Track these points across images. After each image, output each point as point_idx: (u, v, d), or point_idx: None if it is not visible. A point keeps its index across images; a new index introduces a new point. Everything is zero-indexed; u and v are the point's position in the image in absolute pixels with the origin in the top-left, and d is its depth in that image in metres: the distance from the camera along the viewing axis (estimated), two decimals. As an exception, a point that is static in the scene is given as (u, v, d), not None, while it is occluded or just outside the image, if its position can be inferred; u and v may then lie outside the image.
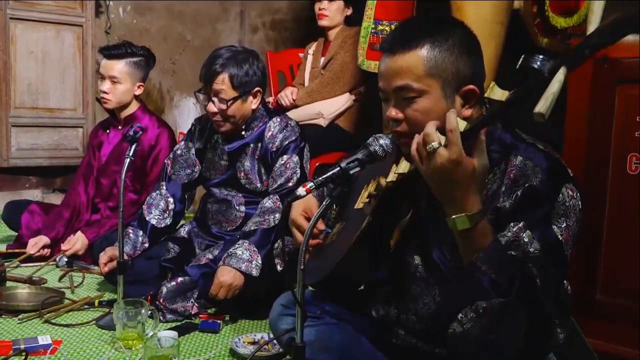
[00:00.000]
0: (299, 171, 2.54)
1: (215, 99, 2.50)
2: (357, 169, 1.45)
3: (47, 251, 3.12)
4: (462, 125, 1.27)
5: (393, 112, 1.43)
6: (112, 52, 3.17)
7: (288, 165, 2.54)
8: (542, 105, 1.11)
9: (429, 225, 1.53)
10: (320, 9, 3.72)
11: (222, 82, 2.48)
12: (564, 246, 1.32)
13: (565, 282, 1.34)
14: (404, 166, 1.51)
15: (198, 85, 4.84)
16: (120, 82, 3.15)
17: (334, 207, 1.86)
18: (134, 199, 3.17)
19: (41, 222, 3.22)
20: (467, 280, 1.30)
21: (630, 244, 2.13)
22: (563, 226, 1.32)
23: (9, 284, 2.72)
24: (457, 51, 1.39)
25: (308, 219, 1.67)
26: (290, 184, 2.52)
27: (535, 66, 1.14)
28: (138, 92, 3.23)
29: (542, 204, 1.32)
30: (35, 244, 3.09)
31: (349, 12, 3.74)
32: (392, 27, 2.79)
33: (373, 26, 2.83)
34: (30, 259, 3.08)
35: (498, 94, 1.20)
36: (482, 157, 1.28)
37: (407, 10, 2.81)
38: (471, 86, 1.40)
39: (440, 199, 1.33)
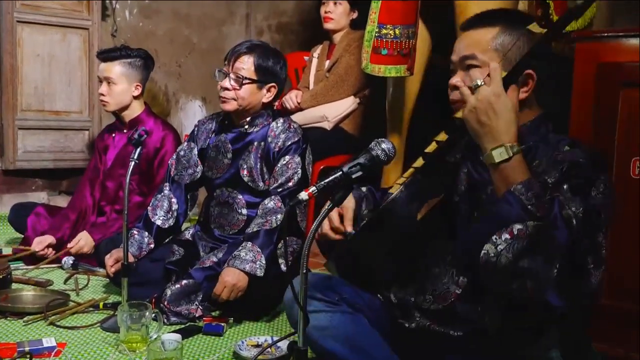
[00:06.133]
0: (300, 172, 2.55)
1: (232, 75, 2.55)
2: (359, 173, 1.47)
3: (51, 251, 3.14)
4: (503, 73, 1.40)
5: (454, 80, 1.55)
6: (106, 54, 3.25)
7: (290, 165, 2.55)
8: None
9: (465, 210, 1.60)
10: (326, 12, 3.73)
11: (245, 62, 2.56)
12: (601, 213, 1.38)
13: (601, 238, 1.38)
14: (442, 136, 1.59)
15: (204, 88, 4.87)
16: (116, 82, 3.20)
17: (365, 205, 1.86)
18: (140, 201, 3.18)
19: (47, 225, 3.24)
20: (502, 207, 1.34)
21: (634, 248, 2.12)
22: (599, 201, 1.39)
23: (14, 285, 2.73)
24: (526, 40, 1.50)
25: (341, 216, 1.71)
26: (290, 184, 2.54)
27: None
28: (136, 92, 3.26)
29: (586, 174, 1.40)
30: (40, 242, 3.11)
31: (355, 15, 3.74)
32: (397, 31, 2.79)
33: (377, 30, 2.83)
34: (35, 257, 3.10)
35: (538, 29, 1.32)
36: (515, 98, 1.42)
37: (412, 13, 2.81)
38: (530, 70, 1.49)
39: (479, 135, 1.41)
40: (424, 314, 1.64)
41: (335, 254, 1.72)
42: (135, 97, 3.28)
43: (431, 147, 1.61)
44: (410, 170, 1.63)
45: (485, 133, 1.39)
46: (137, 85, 3.26)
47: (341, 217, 1.71)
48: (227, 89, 2.57)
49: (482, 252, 1.33)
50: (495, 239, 1.31)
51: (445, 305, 1.60)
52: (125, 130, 3.32)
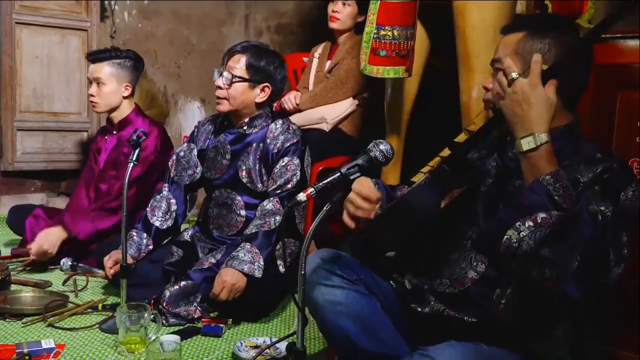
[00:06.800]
0: (299, 173, 2.56)
1: (225, 74, 2.57)
2: (358, 174, 1.48)
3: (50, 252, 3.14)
4: (544, 67, 1.42)
5: (486, 81, 1.63)
6: (96, 56, 3.27)
7: (289, 167, 2.55)
8: None
9: (490, 202, 1.62)
10: (333, 11, 3.70)
11: (238, 61, 2.58)
12: (628, 216, 1.42)
13: (626, 237, 1.41)
14: (473, 126, 1.62)
15: (203, 89, 4.86)
16: (105, 83, 3.21)
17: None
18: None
19: (45, 226, 3.22)
20: (528, 195, 1.36)
21: (634, 249, 2.11)
22: (628, 204, 1.42)
23: (13, 287, 2.73)
24: (549, 45, 1.53)
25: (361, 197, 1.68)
26: (289, 186, 2.54)
27: None
28: (126, 93, 3.27)
29: (618, 179, 1.44)
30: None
31: (361, 19, 3.70)
32: (395, 32, 2.79)
33: (375, 31, 2.82)
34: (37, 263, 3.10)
35: (585, 22, 1.33)
36: (553, 93, 1.42)
37: (410, 14, 2.81)
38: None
39: (512, 124, 1.44)
40: (438, 298, 1.65)
41: (352, 236, 1.72)
42: (125, 98, 3.28)
43: (461, 137, 1.63)
44: (436, 159, 1.65)
45: (517, 122, 1.42)
46: (127, 86, 3.27)
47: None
48: (220, 87, 2.58)
49: (505, 237, 1.35)
50: (519, 225, 1.33)
51: (461, 290, 1.62)
52: (114, 132, 3.33)
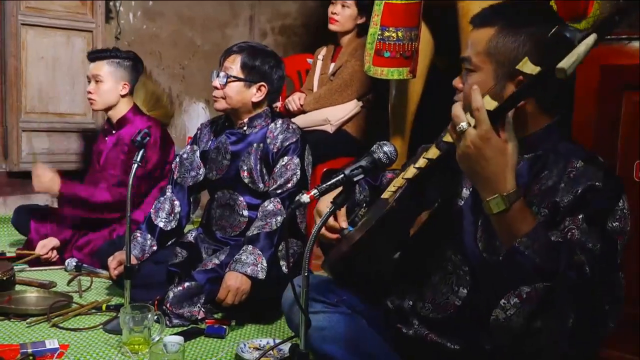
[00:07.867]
0: (299, 173, 2.56)
1: (221, 74, 2.60)
2: (361, 176, 1.47)
3: (55, 254, 3.15)
4: (492, 105, 1.27)
5: (455, 81, 1.50)
6: (95, 54, 3.33)
7: (289, 166, 2.56)
8: (566, 62, 1.13)
9: (469, 215, 1.56)
10: (332, 13, 3.70)
11: (233, 61, 2.61)
12: (618, 244, 1.33)
13: (619, 273, 1.33)
14: (432, 152, 1.52)
15: (208, 90, 4.85)
16: (103, 80, 3.26)
17: (363, 207, 1.86)
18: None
19: (50, 227, 3.25)
20: (509, 265, 1.27)
21: (634, 251, 2.11)
22: (617, 230, 1.33)
23: (18, 287, 2.74)
24: (523, 43, 1.39)
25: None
26: (289, 185, 2.54)
27: (567, 34, 1.19)
28: (123, 91, 3.30)
29: (604, 202, 1.33)
30: (45, 246, 3.12)
31: (362, 21, 3.69)
32: (399, 33, 2.79)
33: (379, 32, 2.82)
34: (39, 261, 3.11)
35: (529, 68, 1.23)
36: (511, 136, 1.27)
37: (414, 15, 2.80)
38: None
39: (474, 183, 1.33)
40: (422, 322, 1.62)
41: (328, 261, 1.71)
42: (123, 97, 3.31)
43: (422, 163, 1.53)
44: (402, 180, 1.59)
45: (479, 182, 1.29)
46: (125, 85, 3.30)
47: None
48: (216, 87, 2.61)
49: (492, 317, 1.27)
50: (504, 303, 1.25)
51: (444, 316, 1.58)
52: (114, 132, 3.35)
